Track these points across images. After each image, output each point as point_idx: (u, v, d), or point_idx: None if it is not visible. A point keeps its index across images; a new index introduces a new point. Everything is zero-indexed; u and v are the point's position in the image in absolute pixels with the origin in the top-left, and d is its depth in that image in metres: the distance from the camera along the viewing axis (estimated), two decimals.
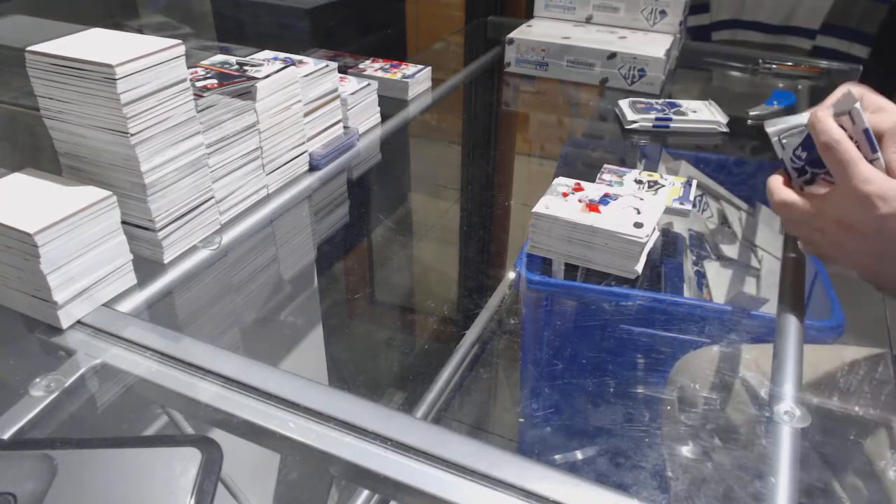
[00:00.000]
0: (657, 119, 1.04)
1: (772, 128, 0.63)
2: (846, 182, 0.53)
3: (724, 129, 1.04)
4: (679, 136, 1.05)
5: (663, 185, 0.82)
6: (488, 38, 1.46)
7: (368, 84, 0.94)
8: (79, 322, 0.56)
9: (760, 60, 1.31)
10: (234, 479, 0.69)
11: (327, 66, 0.83)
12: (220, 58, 0.78)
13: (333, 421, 0.47)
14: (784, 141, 0.62)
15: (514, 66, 1.25)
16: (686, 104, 1.08)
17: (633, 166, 0.92)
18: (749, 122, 1.09)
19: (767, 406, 0.52)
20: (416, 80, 1.08)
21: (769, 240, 0.99)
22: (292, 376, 0.51)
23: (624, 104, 1.08)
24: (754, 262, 0.97)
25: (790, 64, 1.30)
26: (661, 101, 1.10)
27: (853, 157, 0.53)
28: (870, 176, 0.52)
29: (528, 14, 1.37)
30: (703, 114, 1.06)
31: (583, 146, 1.13)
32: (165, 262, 0.65)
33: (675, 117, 1.04)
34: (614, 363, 0.73)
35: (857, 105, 0.54)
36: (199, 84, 0.68)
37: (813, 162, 0.58)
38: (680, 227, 0.94)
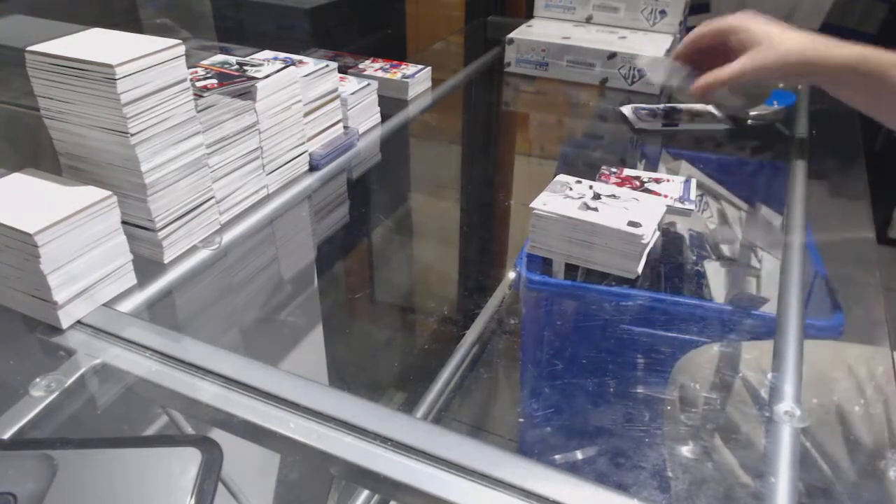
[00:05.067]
0: (663, 126, 1.05)
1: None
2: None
3: (725, 129, 1.04)
4: (680, 136, 1.05)
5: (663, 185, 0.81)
6: (488, 38, 1.46)
7: (368, 84, 0.94)
8: (79, 322, 0.56)
9: None
10: (234, 479, 0.69)
11: (327, 66, 0.83)
12: (220, 58, 0.78)
13: (333, 421, 0.47)
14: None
15: (514, 66, 1.25)
16: (686, 105, 1.08)
17: (634, 166, 0.92)
18: (749, 122, 1.09)
19: (767, 406, 0.52)
20: (416, 80, 1.08)
21: (769, 240, 0.99)
22: (292, 376, 0.51)
23: (627, 111, 1.07)
24: (754, 262, 0.97)
25: None
26: (661, 106, 1.10)
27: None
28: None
29: (528, 14, 1.37)
30: (703, 114, 1.06)
31: (583, 146, 1.13)
32: (165, 262, 0.65)
33: (675, 118, 1.05)
34: (614, 363, 0.73)
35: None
36: (199, 84, 0.68)
37: None
38: (681, 226, 0.94)
